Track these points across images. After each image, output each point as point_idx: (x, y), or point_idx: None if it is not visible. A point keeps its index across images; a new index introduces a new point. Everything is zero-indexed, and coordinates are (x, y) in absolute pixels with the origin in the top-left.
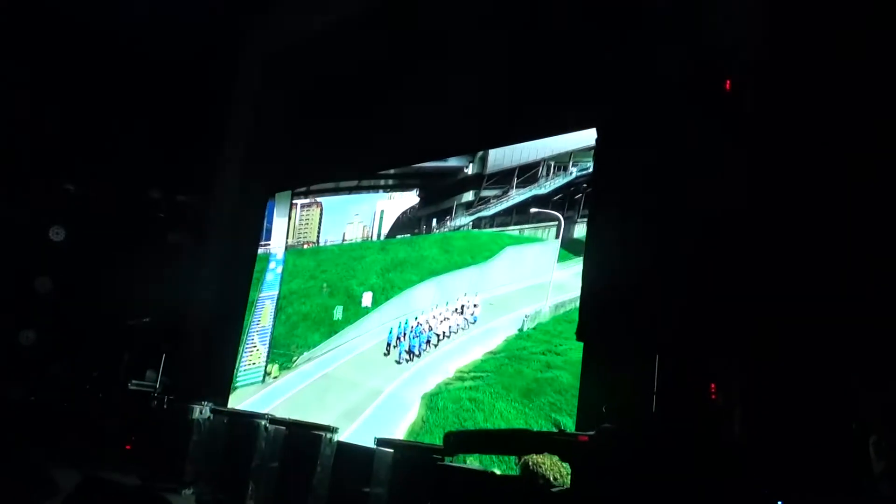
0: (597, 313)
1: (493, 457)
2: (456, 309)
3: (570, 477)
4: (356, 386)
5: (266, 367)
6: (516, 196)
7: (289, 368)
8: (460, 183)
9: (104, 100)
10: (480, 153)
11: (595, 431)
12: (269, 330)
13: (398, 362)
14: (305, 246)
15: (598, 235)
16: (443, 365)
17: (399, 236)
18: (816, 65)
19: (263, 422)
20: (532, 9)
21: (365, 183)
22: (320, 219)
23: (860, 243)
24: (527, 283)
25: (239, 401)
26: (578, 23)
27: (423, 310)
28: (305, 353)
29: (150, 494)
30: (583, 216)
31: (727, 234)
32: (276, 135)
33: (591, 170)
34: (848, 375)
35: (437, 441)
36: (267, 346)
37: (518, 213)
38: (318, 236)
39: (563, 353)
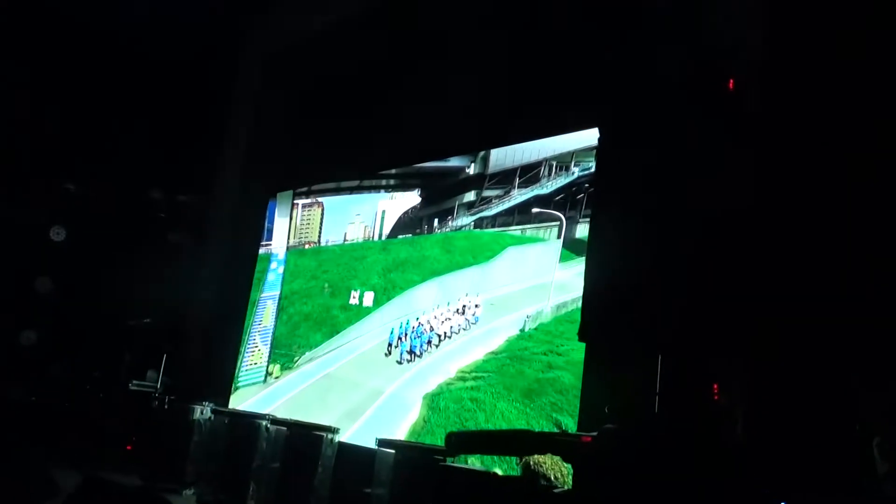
0: (599, 314)
1: (494, 456)
2: (457, 309)
3: (571, 476)
4: (358, 386)
5: (268, 367)
6: (518, 196)
7: (290, 368)
8: (462, 183)
9: (104, 100)
10: (482, 153)
11: (597, 432)
12: (271, 330)
13: (399, 362)
14: (307, 246)
15: (600, 235)
16: (444, 365)
17: (401, 236)
18: (818, 63)
19: (264, 422)
20: (532, 9)
21: (366, 183)
22: (321, 219)
23: (863, 243)
24: (528, 284)
25: (241, 401)
26: (578, 23)
27: (424, 310)
28: (307, 353)
29: (150, 495)
30: (585, 216)
31: (729, 234)
32: (276, 135)
33: (593, 170)
34: (851, 376)
35: (439, 441)
36: (268, 346)
37: (520, 213)
38: (319, 236)
39: (564, 354)
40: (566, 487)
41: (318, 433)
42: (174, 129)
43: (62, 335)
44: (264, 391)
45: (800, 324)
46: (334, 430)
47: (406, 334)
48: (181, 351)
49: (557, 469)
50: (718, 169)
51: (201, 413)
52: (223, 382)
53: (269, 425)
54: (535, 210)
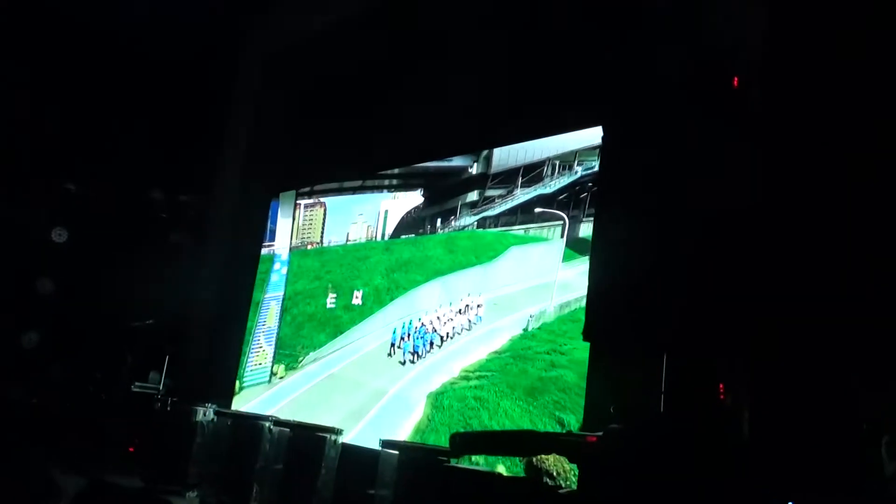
0: (603, 313)
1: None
2: (459, 310)
3: (573, 473)
4: (362, 386)
5: (272, 367)
6: (521, 195)
7: (295, 369)
8: (465, 182)
9: (104, 100)
10: (485, 152)
11: (603, 432)
12: (275, 331)
13: (402, 363)
14: (309, 246)
15: (604, 235)
16: (448, 364)
17: (403, 236)
18: (820, 61)
19: (267, 424)
20: (532, 8)
21: (369, 183)
22: (324, 219)
23: (868, 242)
24: (532, 283)
25: (246, 401)
26: (580, 22)
27: (427, 310)
28: (311, 354)
29: (153, 497)
30: (588, 215)
31: (734, 232)
32: (277, 135)
33: (596, 169)
34: (858, 375)
35: (443, 439)
36: (273, 346)
37: (523, 213)
38: (321, 237)
39: (567, 353)
40: (570, 486)
41: (321, 434)
42: (175, 129)
43: (63, 336)
44: (269, 391)
45: (805, 323)
46: (338, 432)
47: (409, 335)
48: (183, 352)
49: (560, 465)
50: (722, 168)
51: (204, 415)
52: (226, 384)
53: (272, 427)
54: (538, 209)
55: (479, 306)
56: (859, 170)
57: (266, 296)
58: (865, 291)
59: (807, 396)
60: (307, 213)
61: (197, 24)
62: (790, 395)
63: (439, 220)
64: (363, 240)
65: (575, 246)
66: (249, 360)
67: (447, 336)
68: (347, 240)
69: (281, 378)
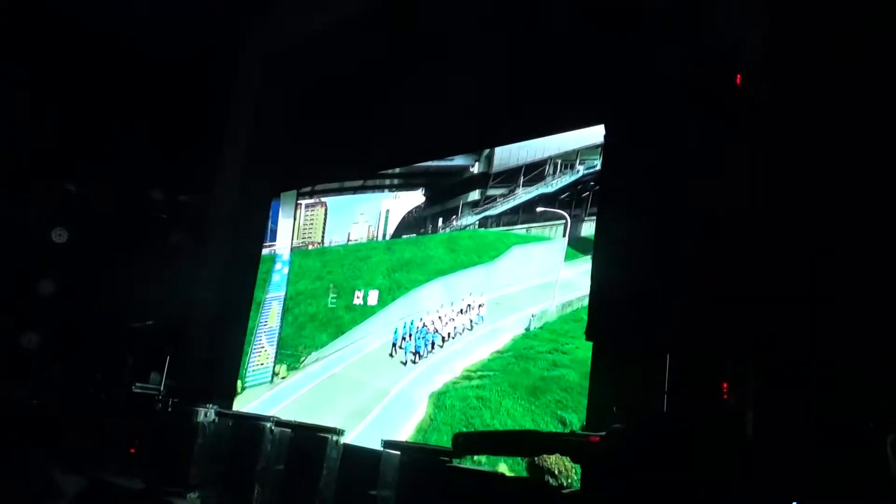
0: (606, 312)
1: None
2: (461, 309)
3: (575, 471)
4: (364, 386)
5: (274, 367)
6: (523, 195)
7: (297, 369)
8: (466, 182)
9: (104, 100)
10: (486, 152)
11: (606, 432)
12: (277, 331)
13: (403, 363)
14: (310, 246)
15: (606, 234)
16: (450, 364)
17: (405, 236)
18: (823, 58)
19: (269, 424)
20: (532, 7)
21: (370, 182)
22: (325, 219)
23: (874, 240)
24: (534, 283)
25: (248, 401)
26: (581, 21)
27: (428, 310)
28: (313, 354)
29: (154, 498)
30: (590, 214)
31: (737, 231)
32: (277, 134)
33: (598, 168)
34: (864, 373)
35: (445, 438)
36: (275, 346)
37: (524, 212)
38: (322, 237)
39: (569, 352)
40: (572, 484)
41: (322, 435)
42: (175, 129)
43: (63, 337)
44: (271, 391)
45: (809, 322)
46: (339, 432)
47: (410, 335)
48: (184, 353)
49: (561, 463)
50: (725, 166)
51: (205, 415)
52: (227, 384)
53: (273, 427)
54: (539, 209)
55: (480, 306)
56: (864, 168)
57: (267, 296)
58: (870, 290)
59: (811, 396)
60: (308, 213)
61: (197, 24)
62: (794, 395)
63: (441, 220)
64: (364, 240)
65: (577, 245)
66: (251, 360)
67: (448, 336)
68: (349, 240)
69: (283, 378)
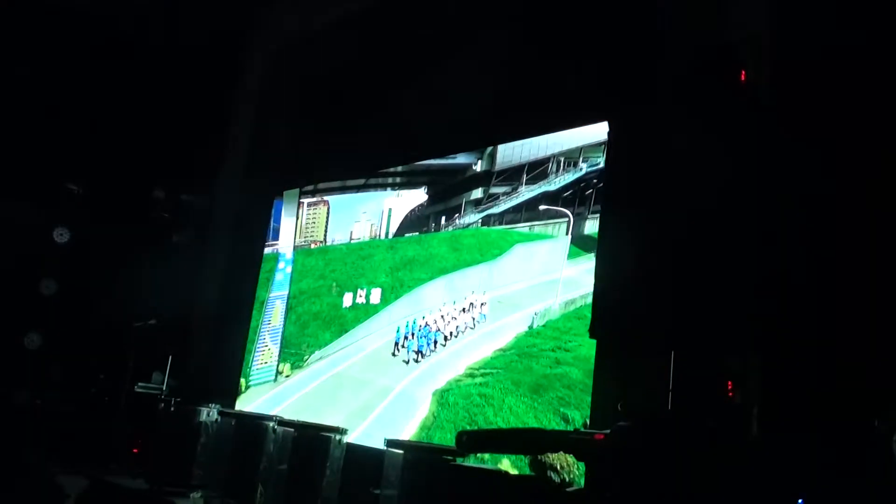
0: (609, 310)
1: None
2: (463, 308)
3: (577, 466)
4: (367, 384)
5: (278, 366)
6: (525, 193)
7: (300, 367)
8: (469, 180)
9: (106, 99)
10: (489, 150)
11: (610, 430)
12: (280, 329)
13: (406, 362)
14: (313, 245)
15: (610, 232)
16: (453, 362)
17: (407, 234)
18: (830, 55)
19: (271, 424)
20: (535, 4)
21: (372, 181)
22: (327, 217)
23: (880, 237)
24: (537, 280)
25: (252, 400)
26: (584, 16)
27: (431, 309)
28: (317, 352)
29: (157, 498)
30: (593, 212)
31: (744, 228)
32: (279, 133)
33: (601, 165)
34: (869, 371)
35: (449, 435)
36: (278, 345)
37: (527, 210)
38: (325, 235)
39: (572, 350)
40: (574, 479)
41: (325, 434)
42: (177, 128)
43: (66, 338)
44: (275, 390)
45: (814, 319)
46: (342, 431)
47: (413, 333)
48: (187, 352)
49: (563, 458)
50: (730, 163)
51: (208, 415)
52: (229, 384)
53: (276, 427)
54: (542, 207)
55: (482, 305)
56: (870, 164)
57: (271, 294)
58: (876, 286)
59: (816, 393)
60: (310, 212)
61: (199, 22)
62: (800, 392)
63: (443, 218)
64: (367, 238)
65: (580, 243)
66: (255, 358)
67: (451, 335)
68: (351, 238)
69: (287, 377)
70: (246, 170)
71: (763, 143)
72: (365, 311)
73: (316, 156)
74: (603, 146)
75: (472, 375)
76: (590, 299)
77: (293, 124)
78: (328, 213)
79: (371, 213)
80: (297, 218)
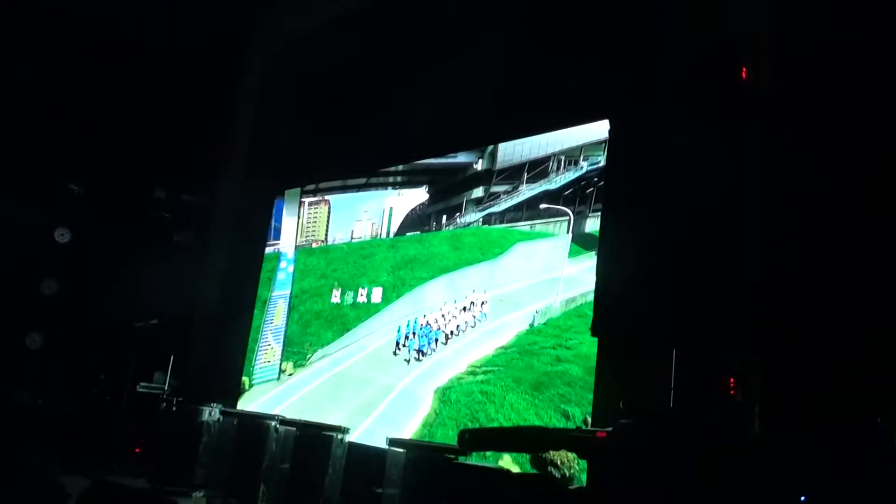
0: (611, 308)
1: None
2: (464, 307)
3: (577, 461)
4: (369, 382)
5: (281, 364)
6: (526, 191)
7: (303, 366)
8: (470, 179)
9: (107, 99)
10: (490, 148)
11: (613, 428)
12: (283, 328)
13: (407, 361)
14: (314, 244)
15: (610, 230)
16: (455, 360)
17: (409, 233)
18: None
19: (273, 423)
20: (536, 2)
21: (373, 180)
22: (328, 216)
23: (882, 236)
24: (537, 279)
25: (255, 398)
26: (585, 15)
27: (432, 307)
28: (319, 351)
29: (159, 498)
30: (594, 211)
31: (742, 227)
32: (281, 133)
33: (601, 164)
34: (872, 369)
35: (451, 432)
36: (281, 344)
37: (528, 209)
38: (326, 234)
39: (573, 348)
40: (574, 475)
41: (327, 433)
42: (178, 128)
43: (67, 338)
44: (278, 388)
45: (816, 317)
46: (344, 430)
47: (414, 333)
48: (188, 352)
49: (563, 454)
50: (730, 161)
51: (210, 414)
52: (231, 383)
53: (278, 426)
54: (543, 205)
55: (483, 303)
56: (872, 162)
57: (273, 294)
58: (877, 285)
59: (818, 391)
60: (311, 211)
61: (200, 22)
62: (801, 390)
63: (444, 217)
64: (368, 237)
65: (581, 241)
66: (258, 357)
67: (451, 334)
68: (352, 237)
69: (290, 375)
70: (246, 170)
71: (763, 142)
72: (366, 310)
73: (316, 155)
74: (603, 144)
75: (473, 373)
76: (590, 297)
77: (293, 124)
78: (329, 213)
79: (372, 212)
80: (299, 217)
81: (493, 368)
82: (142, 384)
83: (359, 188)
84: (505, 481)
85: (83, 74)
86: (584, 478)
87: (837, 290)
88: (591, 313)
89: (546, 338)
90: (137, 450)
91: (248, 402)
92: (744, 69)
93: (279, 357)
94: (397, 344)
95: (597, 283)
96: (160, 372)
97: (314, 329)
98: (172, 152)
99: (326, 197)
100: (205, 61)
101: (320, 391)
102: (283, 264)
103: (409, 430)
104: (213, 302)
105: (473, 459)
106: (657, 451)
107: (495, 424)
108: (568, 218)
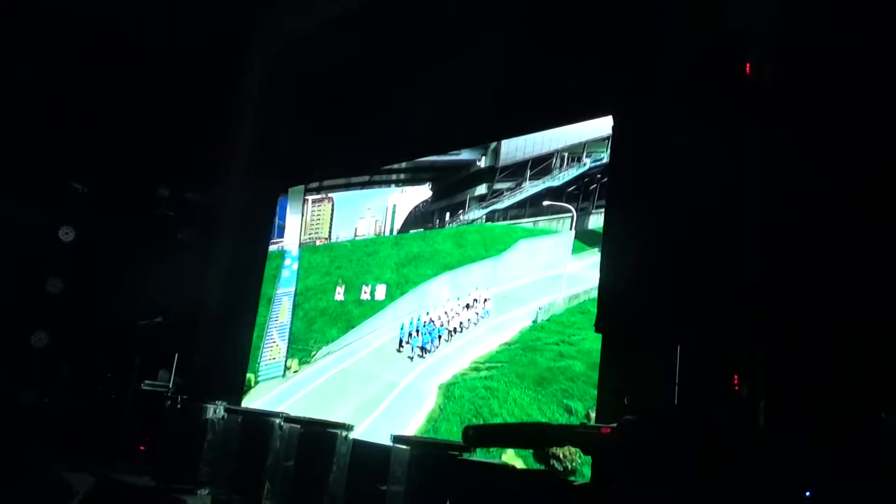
0: (615, 304)
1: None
2: (467, 304)
3: (578, 454)
4: (374, 379)
5: (286, 361)
6: (529, 188)
7: (308, 363)
8: (473, 176)
9: (110, 98)
10: (493, 146)
11: (617, 423)
12: (288, 325)
13: (410, 358)
14: (318, 242)
15: (614, 227)
16: (459, 356)
17: (412, 231)
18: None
19: (278, 420)
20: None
21: (377, 177)
22: (332, 214)
23: (886, 233)
24: (541, 276)
25: (260, 395)
26: (588, 11)
27: (436, 305)
28: (324, 348)
29: (164, 495)
30: (598, 207)
31: (747, 223)
32: (284, 131)
33: (605, 160)
34: (876, 364)
35: (455, 428)
36: (286, 341)
37: (531, 206)
38: (329, 232)
39: (576, 343)
40: (577, 468)
41: (332, 431)
42: (182, 126)
43: (72, 336)
44: (283, 385)
45: (821, 312)
46: (348, 427)
47: (417, 330)
48: (193, 350)
49: (566, 448)
50: (735, 157)
51: (214, 412)
52: (235, 381)
53: (282, 423)
54: (546, 202)
55: (486, 301)
56: (876, 159)
57: (278, 291)
58: (883, 280)
59: (823, 386)
60: (315, 209)
61: (204, 20)
62: (806, 385)
63: (448, 214)
64: (371, 235)
65: (584, 238)
66: (264, 354)
67: (455, 331)
68: (356, 235)
69: (295, 372)
70: (249, 168)
71: (766, 139)
72: (371, 307)
73: (318, 154)
74: (606, 141)
75: (477, 369)
76: (593, 294)
77: (295, 123)
78: (333, 210)
79: (376, 209)
80: (303, 215)
81: (496, 364)
82: (147, 382)
83: (362, 186)
84: (509, 478)
85: (86, 74)
86: (586, 471)
87: (842, 284)
88: (594, 310)
89: (549, 334)
90: (142, 447)
91: (254, 399)
92: (748, 64)
93: (284, 354)
94: (401, 342)
95: (600, 279)
96: (165, 370)
97: (319, 326)
98: (176, 151)
99: (330, 195)
100: (206, 61)
101: (325, 388)
102: (287, 262)
103: (413, 425)
104: (218, 300)
105: (478, 455)
106: (662, 447)
107: (499, 420)
108: (571, 215)
